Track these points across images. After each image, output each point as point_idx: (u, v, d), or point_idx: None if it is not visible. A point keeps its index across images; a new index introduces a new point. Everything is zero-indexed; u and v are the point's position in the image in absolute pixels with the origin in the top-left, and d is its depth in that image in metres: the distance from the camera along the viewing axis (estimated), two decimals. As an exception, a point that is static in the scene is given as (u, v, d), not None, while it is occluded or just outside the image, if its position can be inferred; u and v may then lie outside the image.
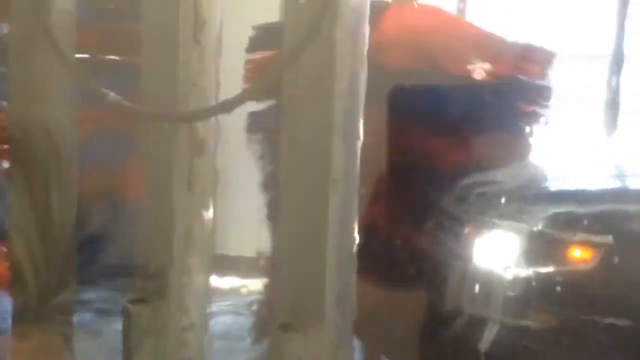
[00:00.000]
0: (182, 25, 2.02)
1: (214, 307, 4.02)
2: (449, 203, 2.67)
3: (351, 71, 1.86)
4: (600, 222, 2.18)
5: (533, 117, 3.23)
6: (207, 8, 2.11)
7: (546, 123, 3.33)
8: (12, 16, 2.17)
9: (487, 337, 2.19)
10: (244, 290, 4.26)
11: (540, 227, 2.18)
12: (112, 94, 1.98)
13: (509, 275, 2.20)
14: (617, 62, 4.36)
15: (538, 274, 2.14)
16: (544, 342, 2.14)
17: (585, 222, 2.18)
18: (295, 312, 1.81)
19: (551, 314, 2.15)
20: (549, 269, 2.14)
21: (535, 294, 2.14)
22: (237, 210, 4.36)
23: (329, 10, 1.74)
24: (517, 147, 3.20)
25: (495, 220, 2.33)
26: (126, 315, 1.91)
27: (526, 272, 2.17)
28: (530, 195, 2.41)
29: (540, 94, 3.25)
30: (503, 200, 2.41)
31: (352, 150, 1.89)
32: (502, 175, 2.70)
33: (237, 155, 4.09)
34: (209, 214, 2.07)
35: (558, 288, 2.14)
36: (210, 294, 2.11)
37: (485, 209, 2.42)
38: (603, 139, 4.51)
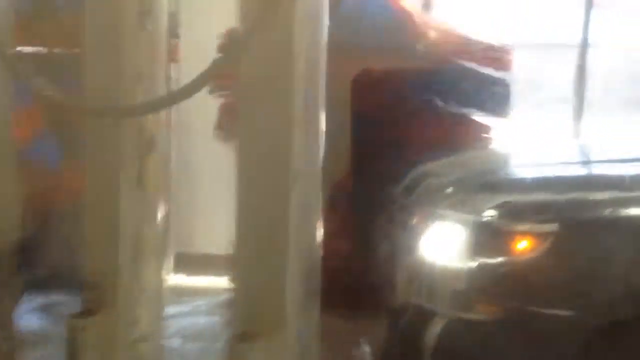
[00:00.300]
0: (125, 12, 1.87)
1: (187, 308, 3.93)
2: (398, 194, 2.59)
3: (311, 59, 1.74)
4: (545, 211, 2.11)
5: (491, 105, 3.28)
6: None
7: (507, 112, 3.36)
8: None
9: (435, 331, 2.11)
10: (217, 289, 4.13)
11: (484, 217, 2.11)
12: (51, 89, 1.80)
13: (454, 267, 2.12)
14: (583, 50, 4.35)
15: (483, 266, 2.06)
16: (490, 334, 2.07)
17: (529, 211, 2.12)
18: (254, 319, 1.67)
19: (497, 306, 2.08)
20: (494, 260, 2.07)
21: (480, 286, 2.08)
22: (208, 205, 4.24)
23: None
24: (476, 132, 3.23)
25: (441, 211, 2.24)
26: (70, 330, 1.74)
27: (471, 263, 2.09)
28: (477, 185, 2.34)
29: (497, 84, 3.30)
30: (450, 190, 2.34)
31: (313, 143, 1.77)
32: (451, 164, 2.62)
33: (204, 148, 3.96)
34: (162, 214, 1.92)
35: (503, 279, 2.07)
36: (165, 300, 1.96)
37: (432, 200, 2.34)
38: (568, 126, 4.51)
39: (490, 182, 2.38)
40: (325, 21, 1.78)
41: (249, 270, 1.73)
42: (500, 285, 2.08)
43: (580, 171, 2.52)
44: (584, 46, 4.36)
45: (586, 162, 2.67)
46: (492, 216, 2.13)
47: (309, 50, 1.73)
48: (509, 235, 2.09)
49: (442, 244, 2.19)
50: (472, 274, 2.09)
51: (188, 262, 4.32)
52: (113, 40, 1.89)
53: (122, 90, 1.90)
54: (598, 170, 2.61)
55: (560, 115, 4.81)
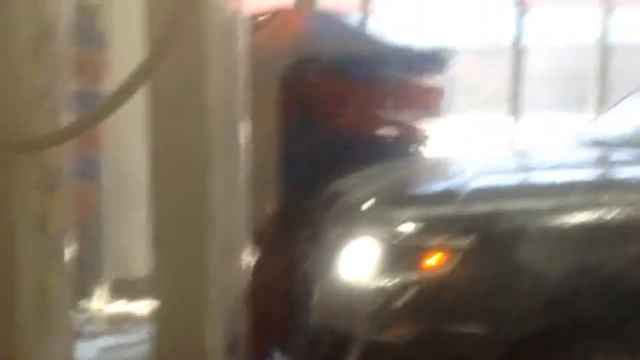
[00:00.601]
0: (20, 36, 1.67)
1: (132, 337, 3.71)
2: (315, 210, 2.48)
3: (226, 78, 1.60)
4: (456, 225, 2.03)
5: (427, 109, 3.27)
6: (52, 16, 1.76)
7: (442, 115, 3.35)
8: None
9: (353, 355, 2.00)
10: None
11: (395, 233, 2.03)
12: None
13: (369, 287, 2.03)
14: (517, 55, 4.38)
15: (397, 284, 1.98)
16: (408, 357, 1.99)
17: (441, 225, 2.03)
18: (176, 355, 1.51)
19: (413, 326, 2.00)
20: (407, 278, 1.98)
21: (395, 306, 1.98)
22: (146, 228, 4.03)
23: (192, 12, 1.47)
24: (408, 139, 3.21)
25: (355, 229, 2.15)
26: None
27: (385, 282, 2.01)
28: (392, 199, 2.26)
29: (430, 94, 3.30)
30: (365, 205, 2.22)
31: (233, 169, 1.63)
32: (368, 178, 2.51)
33: (141, 166, 3.76)
34: (66, 261, 1.72)
35: (417, 298, 1.98)
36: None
37: (347, 216, 2.24)
38: (502, 132, 4.54)
39: (404, 195, 2.30)
40: (242, 41, 1.65)
41: (167, 313, 1.58)
42: (415, 304, 1.99)
43: (500, 180, 2.41)
44: (517, 48, 4.39)
45: (510, 170, 2.57)
46: (403, 232, 2.04)
47: (227, 67, 1.60)
48: (421, 251, 2.01)
49: (357, 263, 2.09)
50: (386, 293, 2.00)
51: (128, 288, 4.11)
52: (5, 68, 1.69)
53: (19, 122, 1.70)
54: (519, 178, 2.53)
55: (497, 116, 4.84)
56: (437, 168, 2.73)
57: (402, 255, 2.00)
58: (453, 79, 3.37)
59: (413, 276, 1.99)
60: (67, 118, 1.77)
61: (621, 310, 1.94)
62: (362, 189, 2.39)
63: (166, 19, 1.46)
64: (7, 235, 1.64)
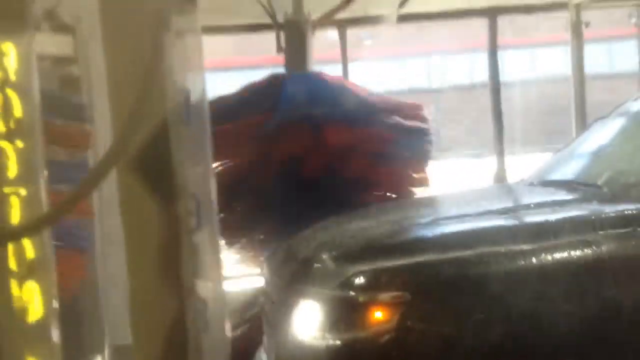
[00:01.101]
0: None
1: None
2: (269, 268, 2.47)
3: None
4: (397, 278, 2.01)
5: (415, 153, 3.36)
6: (23, 104, 1.82)
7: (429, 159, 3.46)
8: None
9: None
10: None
11: (339, 290, 2.01)
12: None
13: (316, 345, 2.00)
14: (496, 89, 4.46)
15: (343, 342, 1.96)
16: None
17: (383, 279, 2.01)
18: None
19: None
20: (353, 334, 1.96)
21: None
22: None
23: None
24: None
25: (302, 287, 2.13)
26: None
27: (331, 341, 1.98)
28: (339, 254, 2.22)
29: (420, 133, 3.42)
30: (312, 262, 2.20)
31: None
32: (318, 233, 2.49)
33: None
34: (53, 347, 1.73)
35: (361, 356, 1.96)
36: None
37: (297, 275, 2.22)
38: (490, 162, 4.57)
39: (350, 250, 2.25)
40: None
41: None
42: None
43: (451, 227, 2.35)
44: (495, 85, 4.46)
45: (456, 215, 2.46)
46: (347, 288, 2.02)
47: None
48: (364, 307, 1.99)
49: (305, 322, 2.07)
50: (332, 352, 1.98)
51: (125, 354, 4.06)
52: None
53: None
54: (465, 224, 2.40)
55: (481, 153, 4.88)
56: (388, 214, 2.67)
57: (346, 311, 1.99)
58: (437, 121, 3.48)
59: (358, 333, 1.97)
60: (40, 206, 1.80)
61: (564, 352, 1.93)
62: (310, 246, 2.36)
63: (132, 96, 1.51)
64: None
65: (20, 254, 1.75)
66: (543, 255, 2.03)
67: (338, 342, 1.98)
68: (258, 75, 3.45)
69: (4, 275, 1.71)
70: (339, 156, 3.15)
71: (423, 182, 3.40)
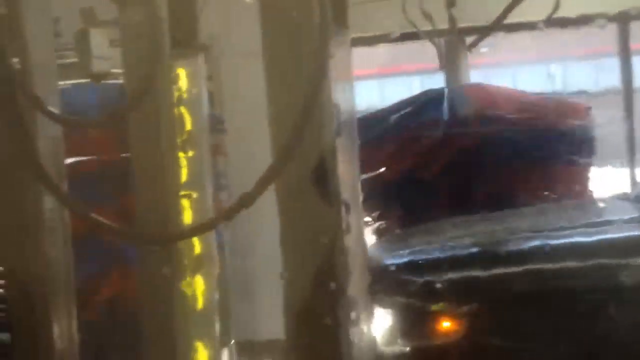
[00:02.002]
0: (164, 134, 1.98)
1: None
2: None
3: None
4: (463, 290, 2.08)
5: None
6: (193, 119, 2.07)
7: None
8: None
9: None
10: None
11: (409, 299, 2.10)
12: (97, 218, 1.89)
13: (390, 352, 2.09)
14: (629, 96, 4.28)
15: (413, 350, 2.05)
16: None
17: (449, 290, 2.07)
18: None
19: None
20: (422, 343, 2.05)
21: None
22: (268, 290, 4.28)
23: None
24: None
25: (381, 295, 2.17)
26: None
27: (401, 348, 2.08)
28: (411, 265, 2.30)
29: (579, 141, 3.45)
30: (389, 269, 2.27)
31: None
32: (404, 238, 2.62)
33: (263, 233, 4.04)
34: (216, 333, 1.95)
35: None
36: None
37: (381, 284, 2.23)
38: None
39: (420, 261, 2.32)
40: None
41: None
42: None
43: (519, 243, 2.34)
44: (628, 92, 4.29)
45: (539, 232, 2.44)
46: (416, 297, 2.10)
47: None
48: (432, 317, 2.06)
49: (383, 329, 2.15)
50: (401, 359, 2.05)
51: (251, 350, 4.32)
52: (157, 166, 1.99)
53: (168, 212, 1.98)
54: (540, 240, 2.36)
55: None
56: (466, 227, 2.68)
57: (415, 320, 2.07)
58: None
59: (428, 341, 2.05)
60: (208, 207, 2.04)
61: None
62: (394, 252, 2.46)
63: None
64: (165, 307, 1.91)
65: (190, 250, 2.00)
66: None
67: (410, 352, 2.07)
68: (414, 82, 3.62)
69: (178, 269, 1.95)
70: (501, 157, 3.29)
71: (584, 185, 3.43)
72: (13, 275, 2.04)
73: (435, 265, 2.25)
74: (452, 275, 2.16)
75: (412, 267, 2.30)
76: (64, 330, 2.05)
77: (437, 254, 2.36)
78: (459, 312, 2.06)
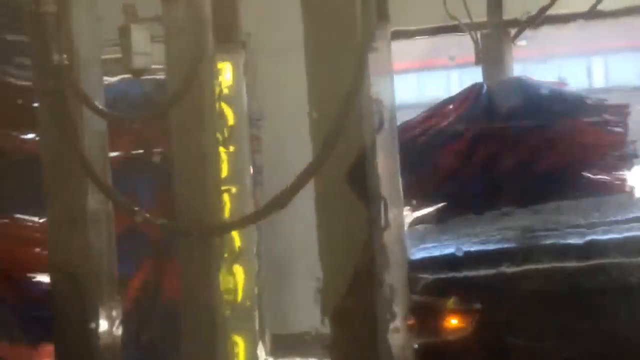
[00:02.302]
0: (206, 130, 2.01)
1: None
2: None
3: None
4: (472, 287, 2.07)
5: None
6: (234, 114, 2.10)
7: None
8: (41, 142, 2.17)
9: None
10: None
11: (417, 296, 2.10)
12: (140, 212, 1.93)
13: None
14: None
15: (420, 345, 2.03)
16: None
17: (458, 288, 2.08)
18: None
19: None
20: (430, 338, 2.06)
21: None
22: (301, 285, 4.31)
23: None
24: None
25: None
26: None
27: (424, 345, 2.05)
28: (424, 262, 2.30)
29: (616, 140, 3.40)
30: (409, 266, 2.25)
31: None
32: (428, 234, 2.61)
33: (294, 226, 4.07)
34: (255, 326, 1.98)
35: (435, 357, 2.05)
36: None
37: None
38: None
39: (432, 258, 2.32)
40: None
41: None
42: None
43: (529, 241, 2.33)
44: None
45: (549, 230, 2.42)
46: (425, 294, 2.12)
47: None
48: (439, 313, 2.09)
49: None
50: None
51: (284, 344, 4.35)
52: (198, 161, 2.03)
53: (208, 206, 2.02)
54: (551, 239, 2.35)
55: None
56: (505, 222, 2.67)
57: (423, 316, 2.09)
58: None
59: (435, 337, 2.08)
60: (248, 202, 2.07)
61: None
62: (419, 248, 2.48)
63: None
64: (203, 296, 1.94)
65: (230, 243, 2.03)
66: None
67: (418, 347, 2.08)
68: (454, 75, 3.57)
69: (219, 261, 1.99)
70: (545, 153, 3.29)
71: (624, 181, 3.38)
72: (61, 266, 2.10)
73: (444, 263, 2.27)
74: (455, 273, 2.20)
75: (426, 263, 2.33)
76: (107, 319, 2.10)
77: (450, 251, 2.37)
78: (464, 309, 2.10)
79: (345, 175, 1.74)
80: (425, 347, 2.07)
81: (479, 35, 3.86)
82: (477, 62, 3.86)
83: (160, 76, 3.02)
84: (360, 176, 1.75)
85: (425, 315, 2.10)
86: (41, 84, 2.03)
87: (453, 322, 2.10)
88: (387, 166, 1.83)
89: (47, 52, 1.96)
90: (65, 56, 2.04)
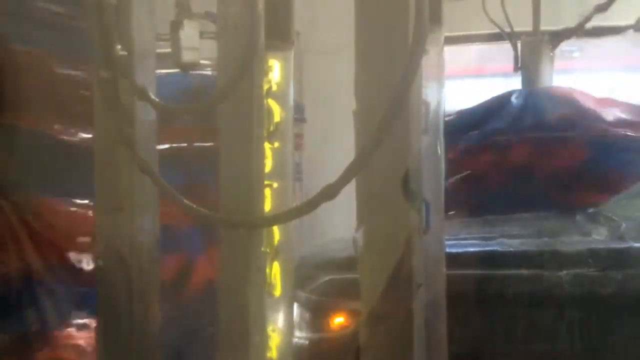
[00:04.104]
0: (254, 125, 2.04)
1: None
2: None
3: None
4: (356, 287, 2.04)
5: None
6: (281, 111, 2.13)
7: None
8: (95, 129, 2.26)
9: None
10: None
11: (310, 295, 2.26)
12: (187, 202, 1.97)
13: (295, 345, 2.23)
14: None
15: (310, 343, 2.20)
16: None
17: (345, 288, 2.13)
18: None
19: None
20: (318, 336, 2.20)
21: None
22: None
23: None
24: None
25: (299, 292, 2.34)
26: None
27: (303, 341, 2.24)
28: (322, 262, 2.45)
29: None
30: (306, 270, 2.38)
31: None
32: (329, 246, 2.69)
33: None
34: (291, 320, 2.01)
35: (320, 357, 2.19)
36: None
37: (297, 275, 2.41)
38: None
39: (330, 258, 2.43)
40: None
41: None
42: None
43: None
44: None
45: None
46: (317, 293, 2.25)
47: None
48: (328, 312, 2.20)
49: (296, 323, 2.30)
50: (297, 351, 2.19)
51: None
52: (244, 156, 2.06)
53: (252, 200, 2.04)
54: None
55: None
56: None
57: (314, 315, 2.23)
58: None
59: (323, 335, 2.20)
60: (289, 197, 2.09)
61: None
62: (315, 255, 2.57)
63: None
64: (240, 292, 1.97)
65: (270, 238, 2.06)
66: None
67: (308, 344, 2.24)
68: (498, 83, 3.64)
69: (260, 254, 2.01)
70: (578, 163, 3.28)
71: None
72: (107, 253, 2.17)
73: (339, 264, 2.35)
74: (344, 274, 2.27)
75: (320, 265, 2.44)
76: (149, 306, 2.16)
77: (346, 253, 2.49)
78: (349, 309, 2.19)
79: (388, 176, 1.74)
80: (316, 344, 2.22)
81: (518, 44, 3.84)
82: (515, 69, 3.83)
83: (206, 71, 3.09)
84: (404, 178, 1.75)
85: (318, 314, 2.25)
86: (99, 73, 2.10)
87: (338, 320, 2.24)
88: (431, 170, 1.83)
89: (107, 42, 2.02)
90: (121, 47, 2.10)
